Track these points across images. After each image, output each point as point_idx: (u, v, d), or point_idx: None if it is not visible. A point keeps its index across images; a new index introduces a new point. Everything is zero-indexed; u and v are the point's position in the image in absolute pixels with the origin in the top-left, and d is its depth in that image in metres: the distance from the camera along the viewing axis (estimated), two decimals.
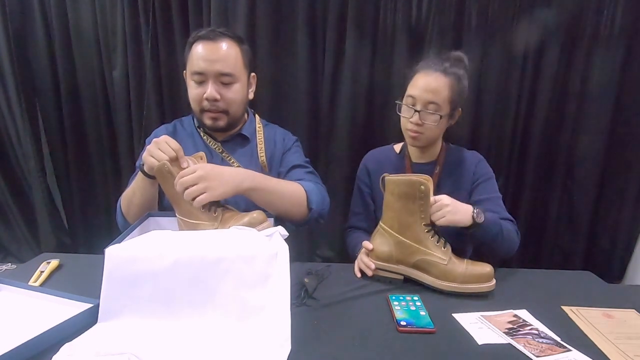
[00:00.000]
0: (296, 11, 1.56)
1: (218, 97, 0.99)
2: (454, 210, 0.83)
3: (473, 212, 0.85)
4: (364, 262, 0.88)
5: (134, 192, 0.96)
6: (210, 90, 0.99)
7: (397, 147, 1.17)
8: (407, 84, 1.05)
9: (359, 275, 0.88)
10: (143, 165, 0.88)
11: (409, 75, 1.05)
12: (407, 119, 1.01)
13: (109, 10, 1.63)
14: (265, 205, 0.93)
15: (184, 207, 0.82)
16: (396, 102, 1.04)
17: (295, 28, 1.58)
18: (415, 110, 0.99)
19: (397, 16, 1.55)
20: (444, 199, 0.84)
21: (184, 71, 1.08)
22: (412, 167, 1.11)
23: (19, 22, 1.66)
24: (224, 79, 1.00)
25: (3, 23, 1.64)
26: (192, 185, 0.78)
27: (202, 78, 0.99)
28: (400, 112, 1.04)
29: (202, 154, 0.89)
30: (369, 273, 0.86)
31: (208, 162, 1.04)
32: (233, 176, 0.86)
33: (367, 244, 0.88)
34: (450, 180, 1.07)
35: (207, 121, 1.04)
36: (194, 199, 0.78)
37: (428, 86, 0.98)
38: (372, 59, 1.60)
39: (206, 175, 0.80)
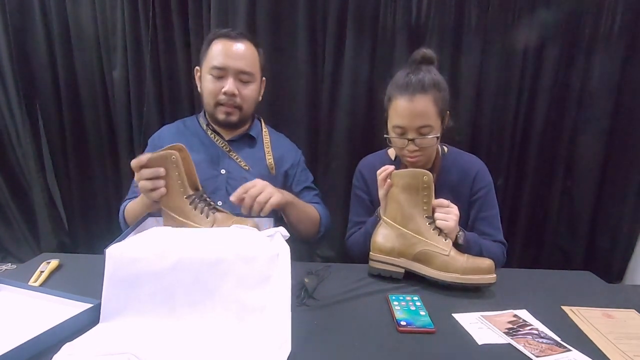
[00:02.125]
0: (296, 11, 1.56)
1: (237, 92, 1.04)
2: (456, 223, 0.85)
3: (458, 233, 0.88)
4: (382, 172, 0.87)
5: (142, 210, 0.94)
6: (230, 85, 1.03)
7: (392, 153, 1.13)
8: (385, 108, 0.99)
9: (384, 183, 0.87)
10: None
11: (385, 100, 0.99)
12: (402, 148, 0.96)
13: (109, 10, 1.63)
14: (294, 221, 1.02)
15: (177, 202, 0.81)
16: (385, 136, 0.98)
17: (295, 28, 1.58)
18: (409, 140, 0.93)
19: (397, 16, 1.55)
20: (456, 209, 0.86)
21: (196, 67, 1.12)
22: None
23: (19, 22, 1.66)
24: (243, 77, 1.05)
25: (3, 23, 1.64)
26: (259, 194, 0.86)
27: (222, 73, 1.03)
28: (390, 143, 0.98)
29: (180, 145, 0.84)
30: (390, 170, 0.86)
31: (214, 160, 1.08)
32: (279, 189, 0.95)
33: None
34: (447, 189, 1.03)
35: (221, 115, 1.06)
36: (261, 209, 0.87)
37: (414, 112, 0.90)
38: (372, 59, 1.60)
39: (267, 183, 0.90)
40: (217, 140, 1.11)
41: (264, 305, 0.62)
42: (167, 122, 1.22)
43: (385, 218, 0.87)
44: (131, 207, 1.00)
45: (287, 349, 0.57)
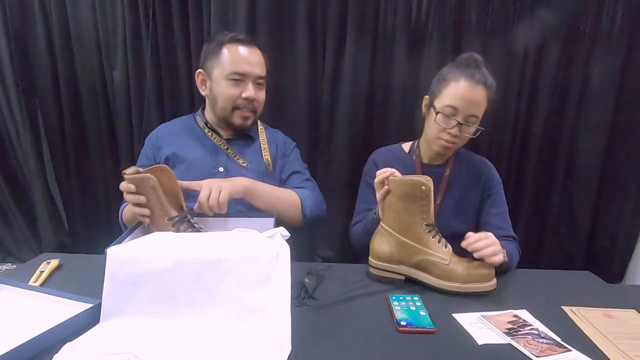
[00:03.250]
0: (296, 11, 1.56)
1: (255, 97, 1.07)
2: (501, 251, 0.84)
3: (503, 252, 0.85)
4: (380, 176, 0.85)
5: (133, 217, 0.94)
6: (251, 91, 1.06)
7: (406, 147, 1.15)
8: (438, 87, 0.99)
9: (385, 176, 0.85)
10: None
11: (438, 80, 1.00)
12: (445, 130, 0.97)
13: (109, 10, 1.63)
14: (264, 207, 1.00)
15: (160, 225, 0.83)
16: (436, 112, 0.98)
17: (295, 28, 1.58)
18: (459, 122, 0.95)
19: (397, 16, 1.55)
20: (492, 236, 0.83)
21: (199, 70, 1.11)
22: (422, 167, 1.09)
23: (19, 22, 1.66)
24: (259, 82, 1.08)
25: (3, 23, 1.64)
26: (209, 196, 0.86)
27: (242, 78, 1.05)
28: (437, 121, 0.98)
29: (164, 166, 0.86)
30: (388, 173, 0.84)
31: (212, 159, 1.08)
32: (231, 179, 0.96)
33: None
34: (459, 186, 1.07)
35: (238, 120, 1.08)
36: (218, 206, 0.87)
37: (473, 99, 0.94)
38: (372, 59, 1.60)
39: (211, 182, 0.89)
40: (214, 139, 1.11)
41: (264, 305, 0.62)
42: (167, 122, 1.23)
43: (383, 225, 0.86)
44: (127, 210, 1.00)
45: (287, 348, 0.57)
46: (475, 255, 0.81)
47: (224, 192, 0.88)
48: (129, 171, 0.81)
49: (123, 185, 0.83)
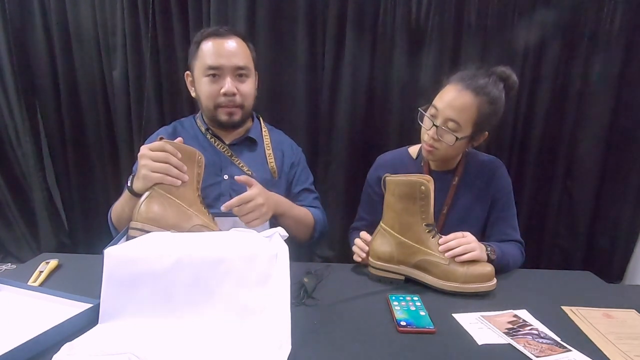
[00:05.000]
0: (296, 11, 1.56)
1: (236, 91, 1.01)
2: (481, 248, 0.83)
3: (487, 250, 0.86)
4: (358, 246, 0.89)
5: (123, 208, 0.91)
6: (229, 85, 1.00)
7: (413, 151, 1.10)
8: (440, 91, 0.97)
9: (358, 259, 0.90)
10: (131, 185, 0.83)
11: (443, 83, 0.97)
12: (425, 130, 0.95)
13: (109, 10, 1.63)
14: (284, 227, 0.98)
15: (189, 194, 0.80)
16: (418, 108, 0.96)
17: (295, 28, 1.58)
18: (434, 124, 0.92)
19: (397, 16, 1.55)
20: (469, 236, 0.83)
21: (187, 72, 1.08)
22: (430, 175, 1.03)
23: (19, 22, 1.66)
24: (240, 72, 1.02)
25: (3, 23, 1.64)
26: (250, 211, 0.85)
27: (218, 73, 1.00)
28: (420, 120, 0.96)
29: (180, 139, 0.84)
30: (362, 255, 0.88)
31: (217, 166, 1.05)
32: (274, 201, 0.94)
33: (365, 235, 0.90)
34: (468, 191, 1.03)
35: (223, 117, 1.03)
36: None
37: (453, 102, 0.90)
38: (372, 59, 1.60)
39: (264, 201, 0.87)
40: (218, 145, 1.07)
41: (264, 304, 0.62)
42: (167, 122, 1.22)
43: (383, 225, 0.86)
44: (116, 206, 0.96)
45: (287, 348, 0.57)
46: (447, 255, 0.80)
47: (258, 221, 0.86)
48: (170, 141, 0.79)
49: (165, 147, 0.77)
